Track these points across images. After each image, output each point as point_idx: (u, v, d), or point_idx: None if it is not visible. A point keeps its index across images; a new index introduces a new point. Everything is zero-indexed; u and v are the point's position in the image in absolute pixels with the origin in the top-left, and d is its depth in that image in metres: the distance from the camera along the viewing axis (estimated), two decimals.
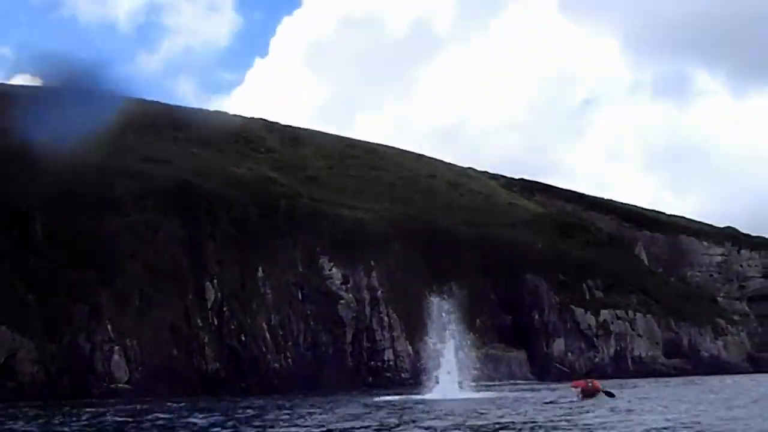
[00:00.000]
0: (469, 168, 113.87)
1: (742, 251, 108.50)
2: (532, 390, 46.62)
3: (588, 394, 28.50)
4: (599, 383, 30.66)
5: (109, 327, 46.38)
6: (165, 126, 75.62)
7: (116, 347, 45.89)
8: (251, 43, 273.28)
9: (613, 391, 30.79)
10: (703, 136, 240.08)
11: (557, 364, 71.02)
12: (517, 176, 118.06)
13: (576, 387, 29.46)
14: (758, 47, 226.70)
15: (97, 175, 53.85)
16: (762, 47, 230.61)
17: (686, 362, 78.92)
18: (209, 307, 53.66)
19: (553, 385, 53.25)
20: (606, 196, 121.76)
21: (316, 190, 72.95)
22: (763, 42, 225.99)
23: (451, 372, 39.35)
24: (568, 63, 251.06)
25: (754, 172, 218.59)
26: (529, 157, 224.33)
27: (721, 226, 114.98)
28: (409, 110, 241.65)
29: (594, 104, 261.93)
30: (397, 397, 37.61)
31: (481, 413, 25.13)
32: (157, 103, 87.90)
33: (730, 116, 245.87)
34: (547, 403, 29.83)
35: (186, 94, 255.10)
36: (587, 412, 24.82)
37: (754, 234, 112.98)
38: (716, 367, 78.06)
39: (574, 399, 28.25)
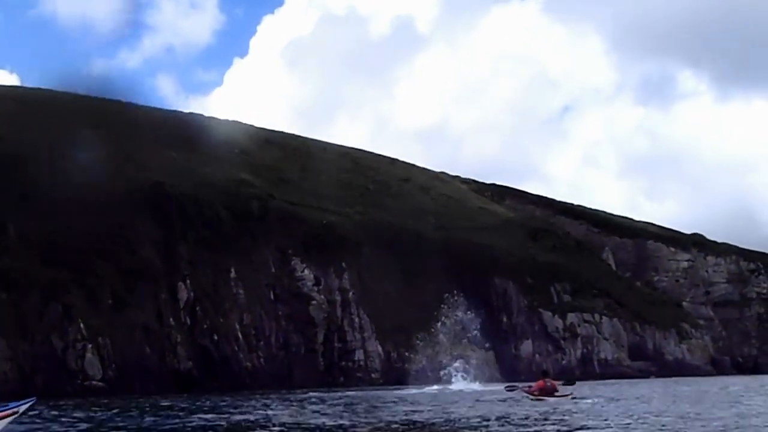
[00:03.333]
0: (442, 172, 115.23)
1: (708, 257, 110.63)
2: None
3: (546, 392, 29.43)
4: (557, 383, 31.64)
5: (81, 326, 46.83)
6: (139, 127, 75.94)
7: (89, 346, 46.35)
8: (231, 42, 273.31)
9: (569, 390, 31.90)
10: (683, 141, 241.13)
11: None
12: (490, 181, 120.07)
13: (535, 386, 30.38)
14: (743, 49, 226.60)
15: (70, 175, 54.18)
16: (747, 49, 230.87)
17: (651, 365, 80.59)
18: (182, 306, 54.31)
19: (521, 385, 54.52)
20: (582, 201, 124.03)
21: (289, 193, 73.83)
22: (747, 44, 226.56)
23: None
24: (551, 65, 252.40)
25: (729, 179, 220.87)
26: (507, 160, 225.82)
27: (692, 232, 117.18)
28: (390, 110, 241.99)
29: (574, 110, 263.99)
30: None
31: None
32: (132, 104, 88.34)
33: (711, 120, 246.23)
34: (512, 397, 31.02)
35: (165, 95, 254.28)
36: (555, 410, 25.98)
37: (720, 241, 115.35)
38: (680, 369, 79.84)
39: (530, 397, 29.21)
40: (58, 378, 44.28)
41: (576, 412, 23.19)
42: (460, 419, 21.70)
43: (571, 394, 30.24)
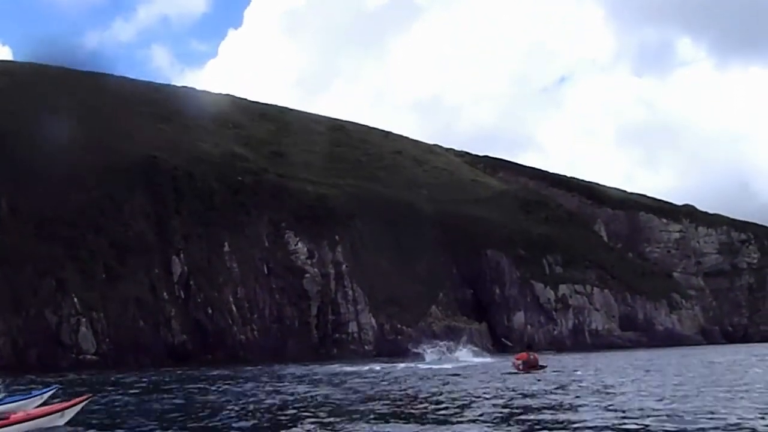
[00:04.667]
0: (435, 145, 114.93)
1: (700, 228, 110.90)
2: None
3: (530, 365, 29.69)
4: (539, 356, 31.98)
5: (75, 300, 46.87)
6: (131, 101, 75.48)
7: (83, 320, 46.41)
8: (226, 13, 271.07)
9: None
10: (680, 111, 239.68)
11: (503, 339, 72.41)
12: (487, 152, 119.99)
13: (518, 360, 30.63)
14: (743, 16, 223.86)
15: (63, 150, 53.90)
16: (746, 16, 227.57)
17: (641, 335, 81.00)
18: (175, 281, 54.33)
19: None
20: (578, 172, 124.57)
21: (282, 166, 73.57)
22: (747, 10, 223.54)
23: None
24: (549, 34, 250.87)
25: (725, 148, 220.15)
26: (503, 131, 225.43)
27: (683, 203, 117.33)
28: (386, 81, 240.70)
29: (570, 81, 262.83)
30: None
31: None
32: (124, 78, 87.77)
33: (709, 88, 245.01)
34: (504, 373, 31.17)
35: (160, 66, 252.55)
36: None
37: (714, 211, 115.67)
38: (670, 339, 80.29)
39: (514, 371, 29.38)
40: (52, 352, 44.38)
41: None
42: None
43: (546, 366, 30.76)
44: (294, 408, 17.07)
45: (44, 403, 15.70)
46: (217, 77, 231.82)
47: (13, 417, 12.36)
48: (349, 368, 36.15)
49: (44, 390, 16.79)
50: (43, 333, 44.96)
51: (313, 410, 16.16)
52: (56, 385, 18.02)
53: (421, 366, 37.44)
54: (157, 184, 58.34)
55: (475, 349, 52.83)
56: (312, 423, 13.58)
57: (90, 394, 16.15)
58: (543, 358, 33.16)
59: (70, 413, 13.11)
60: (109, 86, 76.51)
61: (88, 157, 55.60)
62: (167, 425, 13.36)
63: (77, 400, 13.53)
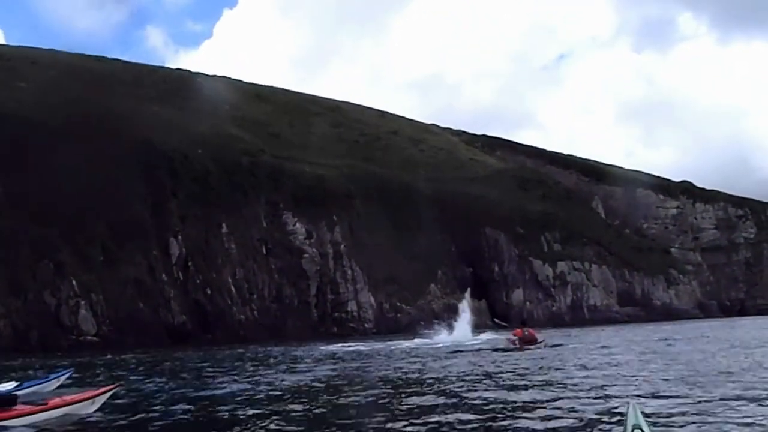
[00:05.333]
0: (432, 124, 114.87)
1: (697, 204, 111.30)
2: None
3: (525, 341, 29.82)
4: (534, 331, 32.09)
5: (74, 283, 46.84)
6: (127, 83, 75.24)
7: (82, 302, 46.42)
8: None
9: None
10: (680, 87, 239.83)
11: (495, 319, 72.32)
12: (486, 130, 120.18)
13: (514, 336, 30.78)
14: None
15: (58, 133, 53.74)
16: None
17: (639, 310, 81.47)
18: (174, 262, 54.29)
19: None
20: (578, 149, 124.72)
21: (279, 147, 73.46)
22: None
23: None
24: (550, 10, 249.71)
25: (725, 123, 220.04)
26: (502, 109, 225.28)
27: (681, 180, 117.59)
28: (384, 60, 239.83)
29: (570, 58, 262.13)
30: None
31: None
32: (118, 60, 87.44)
33: (710, 64, 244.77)
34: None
35: (154, 46, 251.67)
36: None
37: (712, 187, 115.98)
38: (668, 314, 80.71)
39: (510, 347, 29.49)
40: (52, 334, 44.42)
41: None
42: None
43: (544, 341, 30.81)
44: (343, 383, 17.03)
45: (60, 386, 16.15)
46: (212, 58, 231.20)
47: (51, 403, 12.78)
48: (378, 345, 35.98)
49: (61, 373, 17.17)
50: (43, 315, 44.98)
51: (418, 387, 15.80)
52: (71, 369, 18.34)
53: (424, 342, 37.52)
54: (154, 167, 58.13)
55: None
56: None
57: (120, 382, 16.47)
58: (543, 334, 33.33)
59: (100, 400, 13.53)
60: (103, 69, 76.16)
61: (84, 140, 55.37)
62: (194, 410, 13.31)
63: (108, 387, 13.97)
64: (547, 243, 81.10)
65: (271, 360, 27.95)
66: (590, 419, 9.78)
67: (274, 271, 60.89)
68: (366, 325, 62.30)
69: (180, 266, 54.56)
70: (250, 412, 12.30)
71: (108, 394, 13.82)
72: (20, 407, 12.11)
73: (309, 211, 65.27)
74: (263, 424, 10.76)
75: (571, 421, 9.77)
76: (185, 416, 12.54)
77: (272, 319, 57.58)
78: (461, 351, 28.72)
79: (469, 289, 66.44)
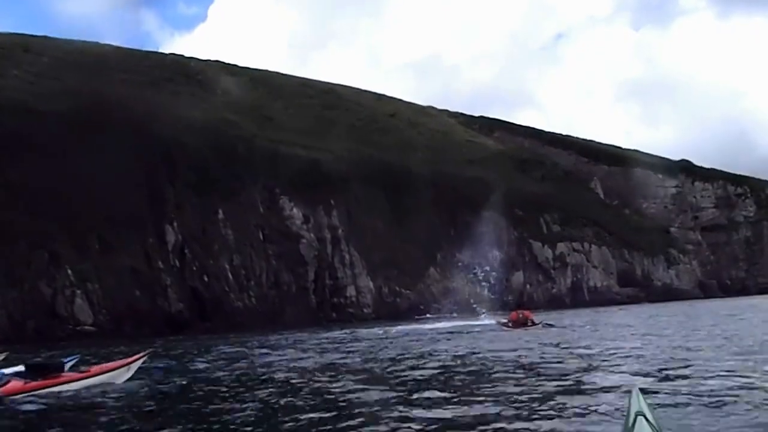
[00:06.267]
0: (429, 106, 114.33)
1: (696, 183, 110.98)
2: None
3: (519, 323, 29.79)
4: (529, 313, 32.13)
5: (69, 272, 46.54)
6: (120, 69, 74.57)
7: (78, 291, 46.14)
8: None
9: (551, 321, 32.21)
10: (680, 65, 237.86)
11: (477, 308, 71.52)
12: (485, 111, 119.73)
13: (510, 318, 30.83)
14: None
15: (52, 121, 53.25)
16: None
17: (639, 290, 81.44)
18: (170, 249, 53.97)
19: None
20: (576, 129, 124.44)
21: (274, 132, 72.93)
22: None
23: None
24: None
25: (724, 101, 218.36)
26: (501, 90, 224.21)
27: (680, 158, 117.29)
28: (382, 42, 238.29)
29: (568, 37, 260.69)
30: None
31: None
32: (109, 45, 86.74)
33: (711, 39, 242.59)
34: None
35: (148, 30, 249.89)
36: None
37: (711, 166, 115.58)
38: (668, 294, 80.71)
39: (503, 329, 29.41)
40: (49, 324, 44.15)
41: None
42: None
43: (542, 322, 30.79)
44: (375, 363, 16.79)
45: (70, 370, 17.46)
46: (206, 41, 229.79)
47: (93, 370, 14.65)
48: (402, 327, 35.87)
49: (69, 359, 18.12)
50: (39, 305, 44.71)
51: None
52: (78, 355, 19.50)
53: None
54: (149, 153, 57.59)
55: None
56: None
57: (151, 349, 17.91)
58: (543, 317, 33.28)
59: (134, 367, 15.23)
60: (96, 55, 75.47)
61: (78, 127, 54.92)
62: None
63: (141, 354, 15.74)
64: (546, 224, 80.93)
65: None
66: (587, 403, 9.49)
67: (272, 257, 60.56)
68: (365, 310, 62.10)
69: (176, 254, 54.26)
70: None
71: (140, 362, 15.48)
72: (68, 374, 13.99)
73: (306, 196, 64.88)
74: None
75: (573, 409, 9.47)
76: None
77: (270, 306, 57.34)
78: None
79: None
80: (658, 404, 8.87)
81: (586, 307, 67.96)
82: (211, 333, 46.36)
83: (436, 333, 30.46)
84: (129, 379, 14.80)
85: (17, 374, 13.38)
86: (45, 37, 77.65)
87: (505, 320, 30.66)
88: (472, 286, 72.09)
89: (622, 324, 33.15)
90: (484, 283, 73.77)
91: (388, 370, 13.93)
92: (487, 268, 75.22)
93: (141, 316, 48.33)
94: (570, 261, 78.56)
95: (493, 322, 31.67)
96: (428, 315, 47.45)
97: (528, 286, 75.80)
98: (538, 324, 30.45)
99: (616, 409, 8.76)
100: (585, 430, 8.17)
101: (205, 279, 54.66)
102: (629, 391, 5.18)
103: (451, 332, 29.48)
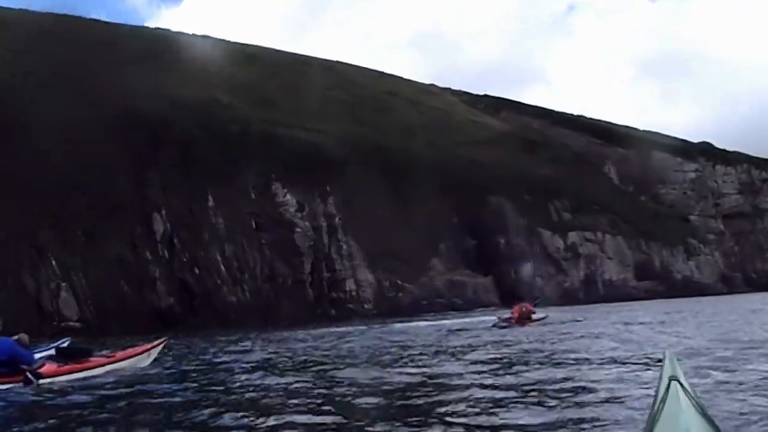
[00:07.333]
0: (431, 84, 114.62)
1: (717, 167, 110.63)
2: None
3: (523, 318, 30.48)
4: (532, 306, 32.93)
5: (54, 263, 47.08)
6: (104, 44, 74.59)
7: (63, 284, 46.68)
8: None
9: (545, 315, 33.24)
10: (701, 38, 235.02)
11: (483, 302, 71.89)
12: (491, 89, 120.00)
13: (511, 313, 31.48)
14: None
15: (30, 100, 53.51)
16: None
17: (658, 284, 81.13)
18: (158, 239, 54.46)
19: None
20: (589, 108, 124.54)
21: (269, 113, 73.08)
22: None
23: None
24: None
25: (747, 78, 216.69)
26: (509, 67, 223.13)
27: (700, 140, 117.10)
28: (381, 15, 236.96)
29: (580, 7, 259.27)
30: None
31: None
32: (94, 20, 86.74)
33: (734, 9, 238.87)
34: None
35: (134, 4, 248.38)
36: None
37: (734, 148, 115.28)
38: (689, 288, 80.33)
39: (504, 325, 30.00)
40: (34, 320, 44.66)
41: None
42: None
43: (546, 317, 31.57)
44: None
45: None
46: (196, 16, 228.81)
47: (118, 355, 16.28)
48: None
49: (60, 342, 20.29)
50: (23, 299, 45.21)
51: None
52: (68, 338, 22.58)
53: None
54: (134, 135, 57.91)
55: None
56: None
57: (167, 337, 20.26)
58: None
59: (154, 353, 17.30)
60: (79, 29, 75.54)
61: (58, 107, 55.17)
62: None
63: (160, 341, 17.80)
64: (556, 211, 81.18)
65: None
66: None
67: (266, 247, 60.84)
68: (365, 306, 62.59)
69: (165, 243, 54.80)
70: None
71: (159, 348, 17.49)
72: (95, 359, 15.53)
73: (300, 181, 64.90)
74: None
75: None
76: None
77: (265, 300, 57.82)
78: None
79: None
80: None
81: (600, 302, 67.97)
82: (203, 328, 46.86)
83: (435, 330, 30.99)
84: (149, 364, 16.64)
85: (50, 358, 15.05)
86: (24, 11, 77.67)
87: (508, 315, 31.32)
88: (477, 279, 72.54)
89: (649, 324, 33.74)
90: (490, 276, 74.19)
91: (388, 370, 14.52)
92: (494, 259, 75.60)
93: (128, 311, 48.90)
94: (582, 251, 78.70)
95: (495, 318, 32.28)
96: (432, 312, 48.01)
97: (538, 279, 75.64)
98: (544, 318, 31.28)
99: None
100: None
101: (196, 271, 55.22)
102: (663, 354, 5.27)
103: (453, 330, 30.02)
